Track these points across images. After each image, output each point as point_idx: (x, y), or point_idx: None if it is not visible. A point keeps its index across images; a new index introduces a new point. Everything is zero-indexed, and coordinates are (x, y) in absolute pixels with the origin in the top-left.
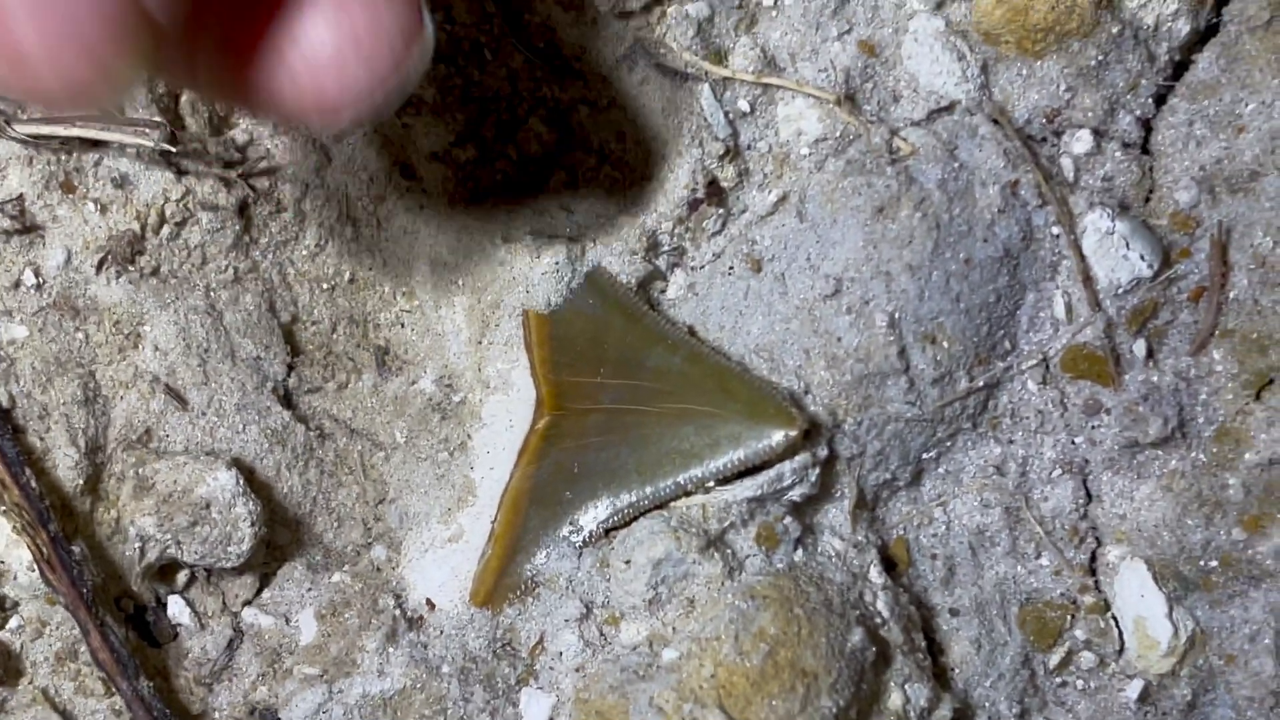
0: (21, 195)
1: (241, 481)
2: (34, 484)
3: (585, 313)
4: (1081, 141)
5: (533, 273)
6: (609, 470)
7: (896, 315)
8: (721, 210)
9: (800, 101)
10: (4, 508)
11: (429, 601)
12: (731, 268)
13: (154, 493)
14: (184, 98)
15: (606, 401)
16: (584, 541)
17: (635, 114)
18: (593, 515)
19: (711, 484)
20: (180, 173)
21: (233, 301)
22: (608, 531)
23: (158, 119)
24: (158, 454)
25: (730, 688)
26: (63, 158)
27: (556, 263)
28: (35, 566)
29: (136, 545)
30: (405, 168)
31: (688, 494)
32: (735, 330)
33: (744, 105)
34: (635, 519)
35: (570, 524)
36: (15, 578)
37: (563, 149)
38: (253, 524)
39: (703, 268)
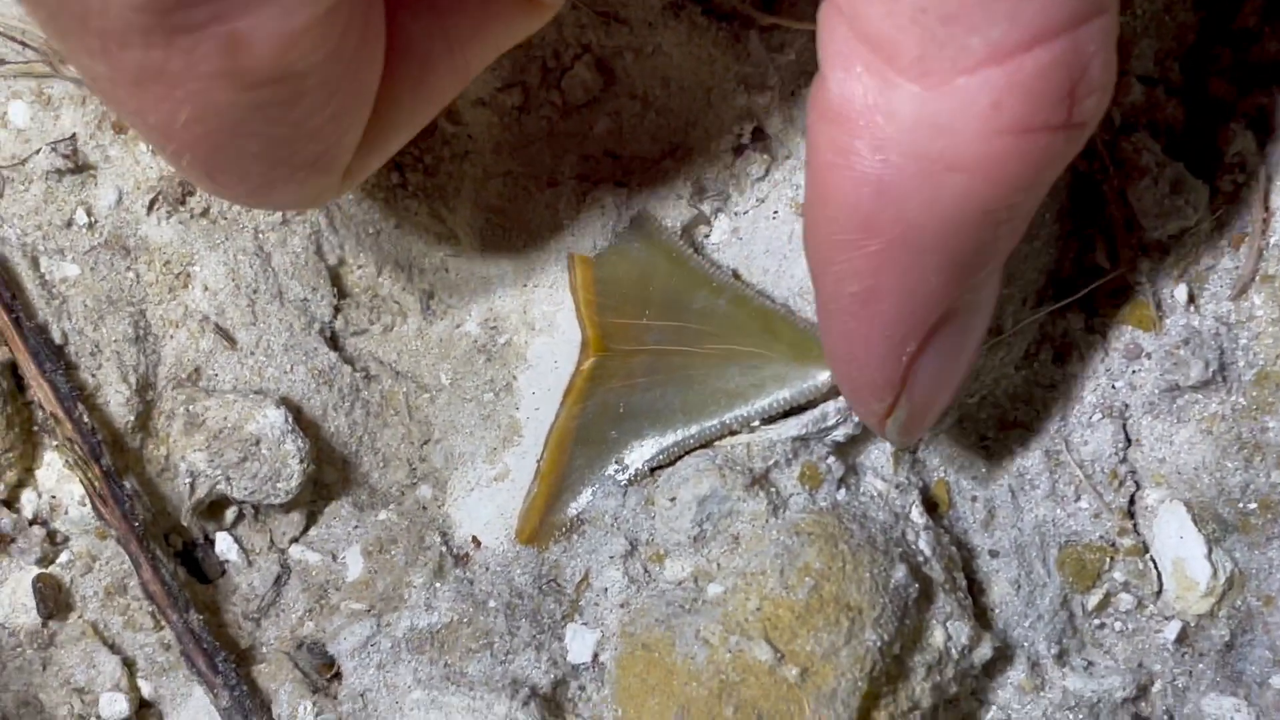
0: (74, 135)
1: (290, 419)
2: (86, 419)
3: (630, 256)
4: (1129, 89)
5: (578, 217)
6: (654, 410)
7: None
8: (767, 156)
9: None
10: (57, 443)
11: (475, 539)
12: (776, 212)
13: (204, 429)
14: None
15: (651, 343)
16: (629, 480)
17: (681, 60)
18: (638, 454)
19: (756, 423)
20: None
21: (281, 243)
22: (653, 470)
23: None
24: (207, 392)
25: (776, 620)
26: None
27: (602, 207)
28: (86, 501)
29: (187, 481)
30: (451, 113)
31: (733, 433)
32: (779, 273)
33: (791, 54)
34: (680, 458)
35: (615, 462)
36: (66, 512)
37: (608, 95)
38: (301, 461)
39: (747, 212)
